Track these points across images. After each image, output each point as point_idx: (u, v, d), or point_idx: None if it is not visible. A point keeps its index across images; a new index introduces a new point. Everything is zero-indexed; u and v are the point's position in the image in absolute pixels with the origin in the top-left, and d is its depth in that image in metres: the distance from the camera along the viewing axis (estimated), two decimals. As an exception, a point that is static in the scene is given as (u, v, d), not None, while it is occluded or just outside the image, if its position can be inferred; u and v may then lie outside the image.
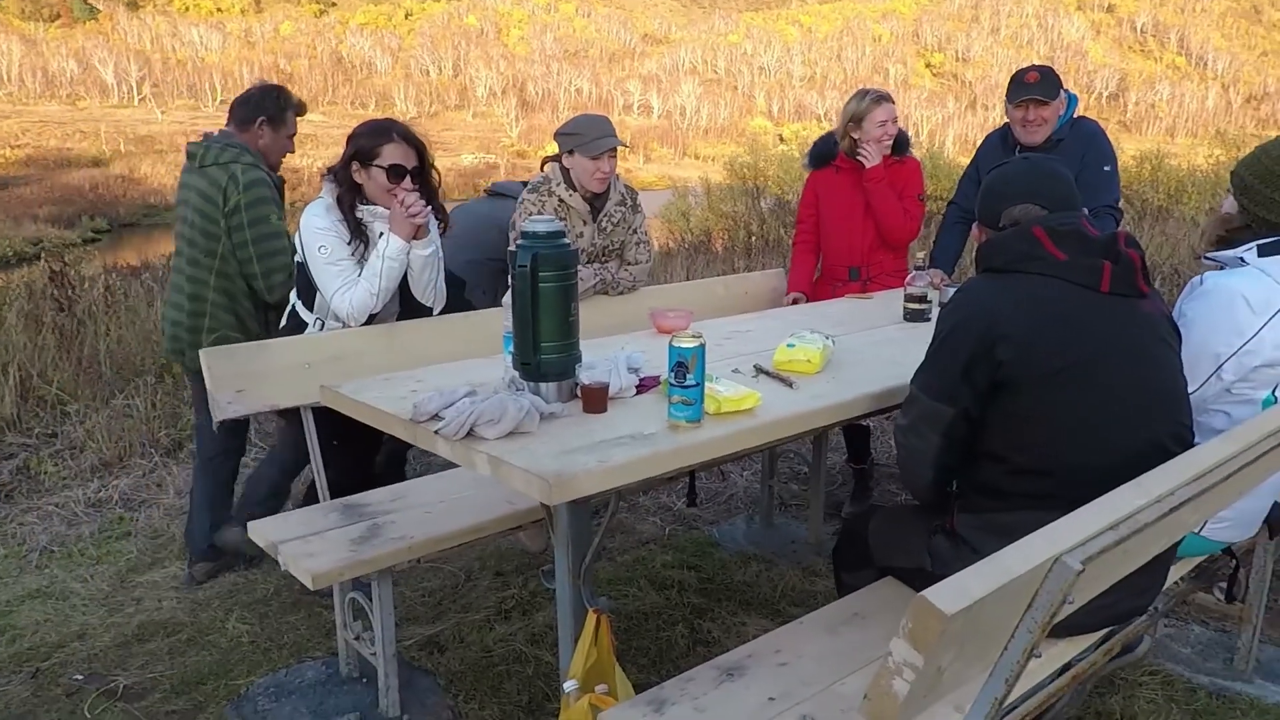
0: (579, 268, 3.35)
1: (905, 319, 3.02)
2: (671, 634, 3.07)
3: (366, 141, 2.88)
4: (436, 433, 1.83)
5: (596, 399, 1.98)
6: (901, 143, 3.70)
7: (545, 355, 1.99)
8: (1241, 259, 2.16)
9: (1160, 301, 1.99)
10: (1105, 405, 1.82)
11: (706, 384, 2.00)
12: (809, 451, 3.82)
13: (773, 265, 8.20)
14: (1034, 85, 3.46)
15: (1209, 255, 2.25)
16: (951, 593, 1.09)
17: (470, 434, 1.82)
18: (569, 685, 2.10)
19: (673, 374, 1.86)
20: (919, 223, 3.75)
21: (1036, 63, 3.74)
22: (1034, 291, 1.85)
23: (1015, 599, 1.20)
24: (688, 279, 8.70)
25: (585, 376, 1.99)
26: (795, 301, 3.82)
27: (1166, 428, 1.87)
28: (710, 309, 3.68)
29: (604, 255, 3.44)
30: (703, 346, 1.85)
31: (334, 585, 2.71)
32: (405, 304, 3.07)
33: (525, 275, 1.94)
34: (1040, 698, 1.76)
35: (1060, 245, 1.87)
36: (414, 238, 2.86)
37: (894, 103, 3.66)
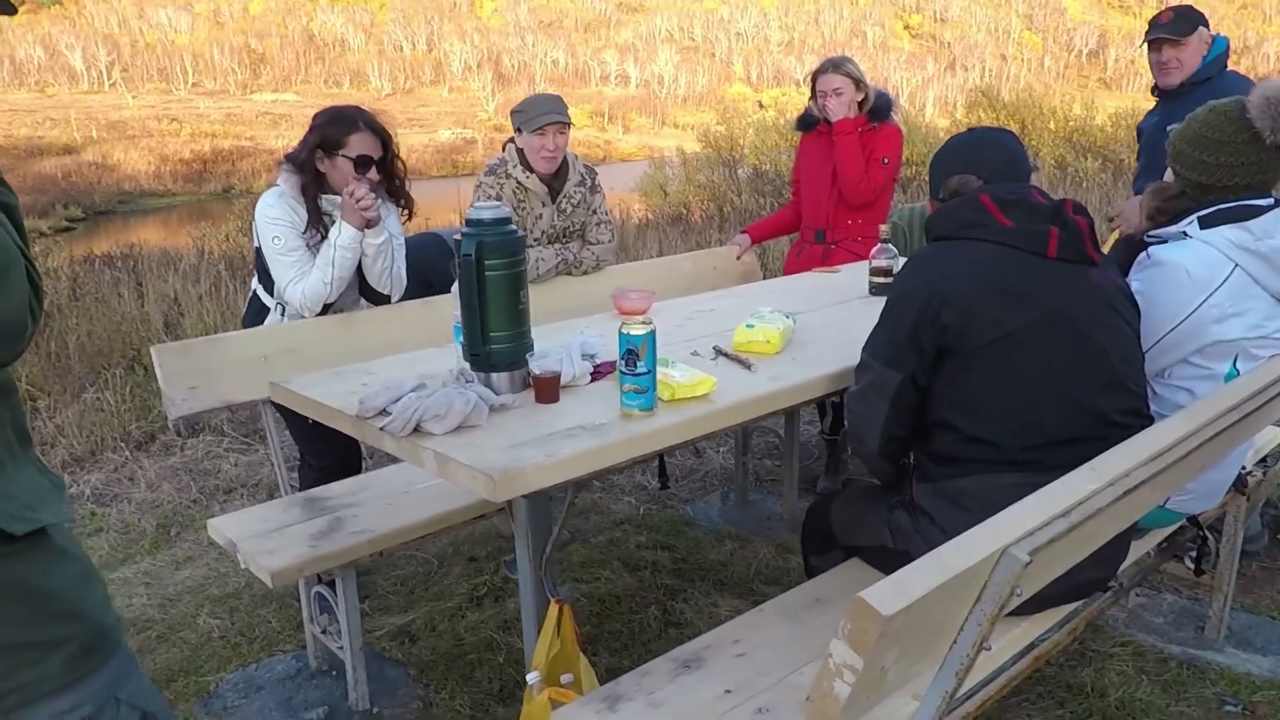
0: (540, 248, 3.33)
1: (871, 293, 2.99)
2: (644, 616, 3.05)
3: (332, 131, 2.82)
4: (382, 429, 1.79)
5: (548, 389, 1.94)
6: (880, 109, 3.75)
7: (495, 345, 1.95)
8: (1184, 233, 2.14)
9: (1114, 271, 1.98)
10: (1049, 372, 1.81)
11: (662, 369, 1.96)
12: (783, 426, 3.80)
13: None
14: (1165, 24, 3.38)
15: (1151, 234, 2.22)
16: (890, 592, 1.05)
17: (417, 429, 1.77)
18: (532, 677, 2.09)
19: (623, 362, 1.82)
20: (878, 186, 3.75)
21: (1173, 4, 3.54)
22: (979, 257, 1.85)
23: (960, 593, 1.17)
24: (661, 253, 8.65)
25: (537, 366, 1.95)
26: (739, 242, 4.13)
27: (1113, 397, 1.86)
28: (678, 286, 3.64)
29: (564, 236, 3.39)
30: (653, 333, 1.81)
31: (299, 579, 2.68)
32: (365, 293, 3.02)
33: (470, 264, 1.89)
34: (1002, 681, 1.74)
35: (1007, 212, 1.86)
36: (366, 227, 2.80)
37: (844, 71, 3.71)
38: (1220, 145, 2.10)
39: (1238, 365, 2.08)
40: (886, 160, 3.73)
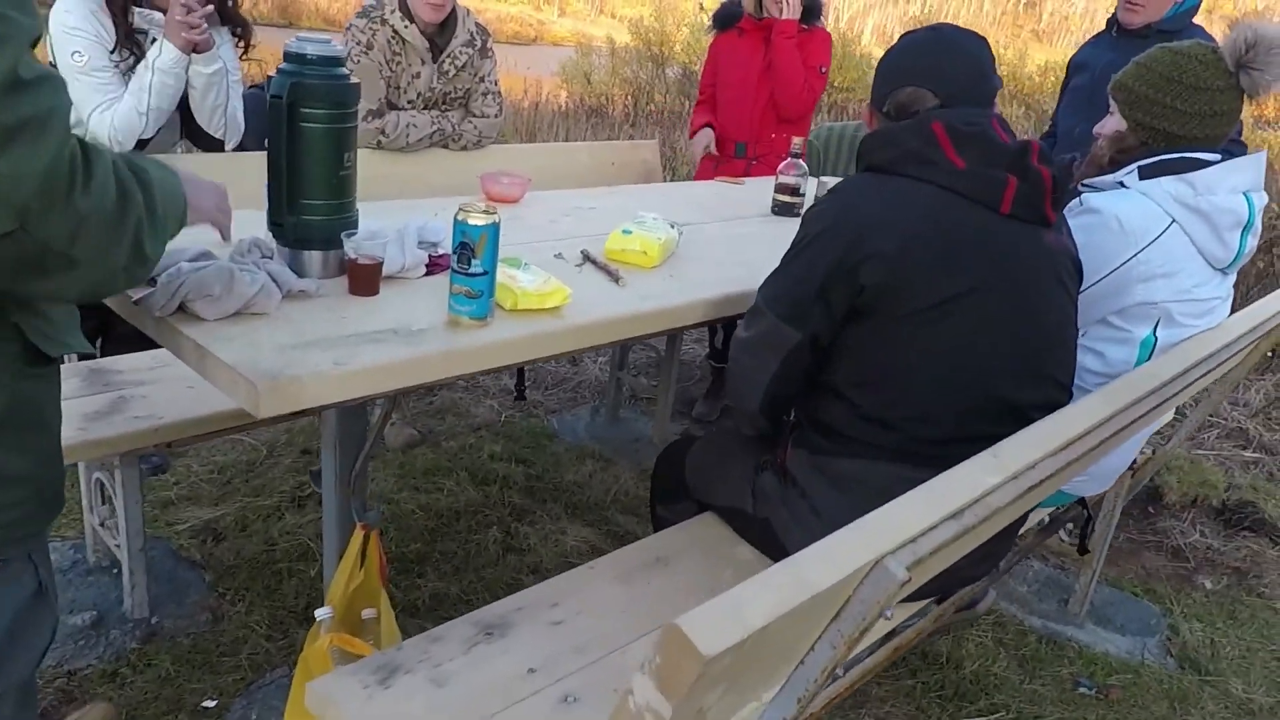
0: (414, 112, 2.90)
1: (773, 212, 2.69)
2: (483, 537, 2.77)
3: None
4: (137, 303, 1.41)
5: (365, 278, 1.58)
6: (812, 10, 3.36)
7: (305, 216, 1.57)
8: (1121, 183, 1.89)
9: (1067, 234, 1.65)
10: (973, 355, 1.49)
11: (509, 271, 1.63)
12: (664, 343, 3.51)
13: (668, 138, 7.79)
14: None
15: (1086, 183, 1.96)
16: (720, 622, 0.76)
17: (183, 310, 1.40)
18: (321, 613, 1.78)
19: (456, 257, 1.47)
20: (816, 96, 3.43)
21: None
22: (918, 205, 1.49)
23: (814, 613, 0.90)
24: (567, 140, 8.18)
25: (354, 248, 1.58)
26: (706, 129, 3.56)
27: (1036, 391, 1.56)
28: (569, 178, 3.26)
29: (444, 103, 2.96)
30: (496, 225, 1.46)
31: (79, 462, 2.30)
32: (192, 136, 2.57)
33: (280, 109, 1.50)
34: (853, 676, 1.51)
35: (961, 150, 1.49)
36: (194, 50, 2.34)
37: None
38: (1196, 92, 1.83)
39: (1158, 331, 1.86)
40: (824, 69, 3.39)
